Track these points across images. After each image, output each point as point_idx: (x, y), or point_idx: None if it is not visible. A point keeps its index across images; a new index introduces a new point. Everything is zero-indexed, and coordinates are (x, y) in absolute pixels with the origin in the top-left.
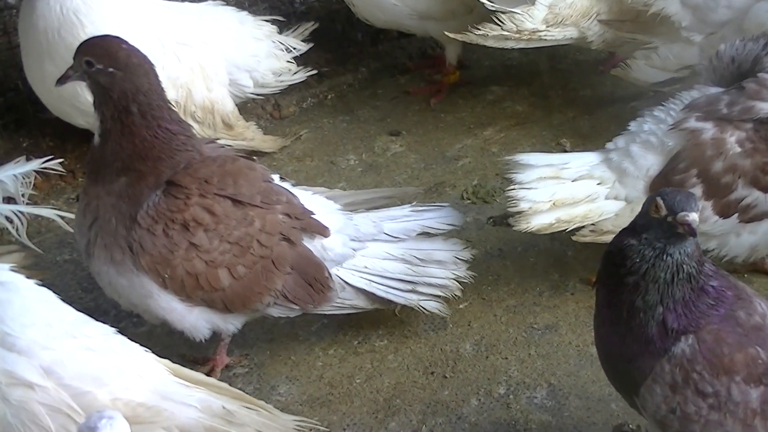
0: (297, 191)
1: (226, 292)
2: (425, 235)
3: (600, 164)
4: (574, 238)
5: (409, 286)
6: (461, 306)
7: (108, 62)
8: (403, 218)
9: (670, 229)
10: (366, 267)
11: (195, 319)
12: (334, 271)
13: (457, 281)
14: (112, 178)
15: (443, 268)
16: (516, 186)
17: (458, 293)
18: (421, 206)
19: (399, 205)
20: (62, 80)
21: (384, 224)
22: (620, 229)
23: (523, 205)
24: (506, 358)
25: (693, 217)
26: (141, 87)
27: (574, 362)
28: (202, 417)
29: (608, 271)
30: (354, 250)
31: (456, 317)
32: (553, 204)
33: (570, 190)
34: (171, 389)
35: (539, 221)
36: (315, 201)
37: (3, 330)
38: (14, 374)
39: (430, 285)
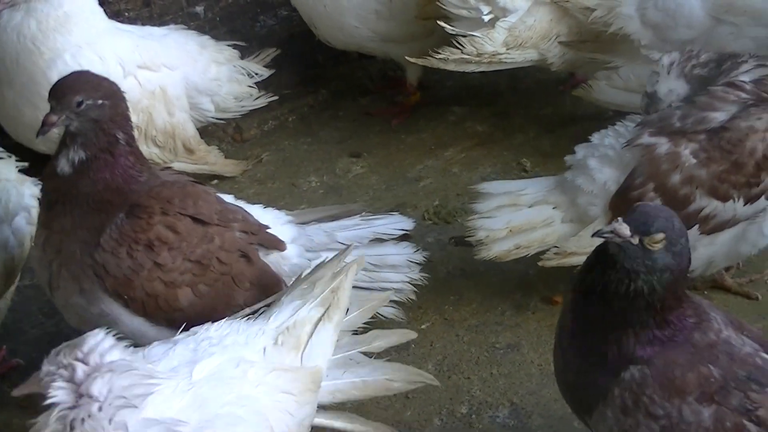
0: (249, 207)
1: (186, 312)
2: (377, 241)
3: (555, 189)
4: (540, 263)
5: (365, 294)
6: (423, 326)
7: (97, 94)
8: (354, 227)
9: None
10: None
11: None
12: None
13: (411, 284)
14: (82, 211)
15: (397, 272)
16: (475, 215)
17: (412, 296)
18: (370, 215)
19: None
20: (45, 129)
21: (336, 233)
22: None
23: (480, 234)
24: (468, 378)
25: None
26: (124, 112)
27: (536, 381)
28: None
29: (588, 279)
30: (309, 261)
31: (418, 337)
32: (510, 231)
33: (526, 215)
34: None
35: (498, 248)
36: (267, 214)
37: None
38: None
39: (386, 290)
